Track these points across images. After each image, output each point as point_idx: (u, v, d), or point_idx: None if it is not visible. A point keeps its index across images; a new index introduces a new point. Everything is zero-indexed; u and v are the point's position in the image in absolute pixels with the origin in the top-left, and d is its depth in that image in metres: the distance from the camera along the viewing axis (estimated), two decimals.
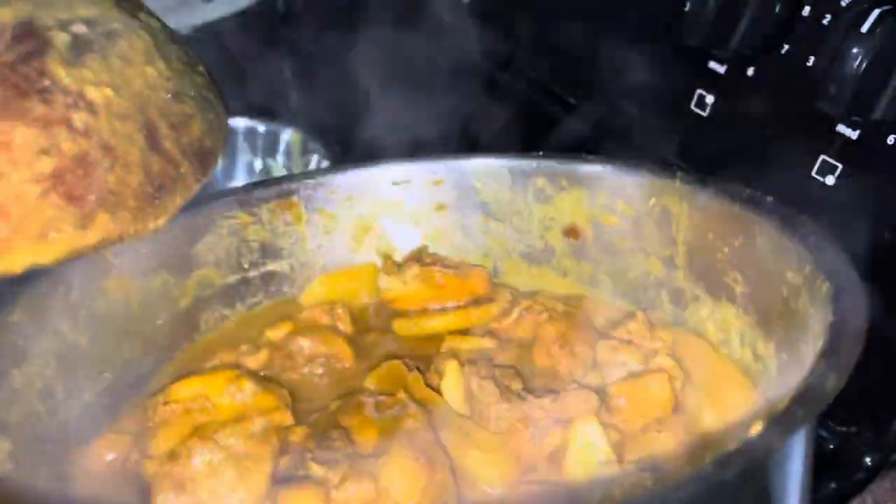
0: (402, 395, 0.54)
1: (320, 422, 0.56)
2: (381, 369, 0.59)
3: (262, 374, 0.60)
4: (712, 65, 0.68)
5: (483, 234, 0.69)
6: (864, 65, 0.53)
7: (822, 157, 0.62)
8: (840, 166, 0.61)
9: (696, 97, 0.70)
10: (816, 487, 0.64)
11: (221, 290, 0.65)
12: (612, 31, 0.77)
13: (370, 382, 0.59)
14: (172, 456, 0.51)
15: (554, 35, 0.84)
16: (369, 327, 0.66)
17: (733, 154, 0.71)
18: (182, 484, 0.49)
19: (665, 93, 0.73)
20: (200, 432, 0.52)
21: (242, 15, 1.06)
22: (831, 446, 0.66)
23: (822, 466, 0.67)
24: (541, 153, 0.66)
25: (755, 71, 0.65)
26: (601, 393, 0.54)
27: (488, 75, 0.95)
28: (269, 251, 0.66)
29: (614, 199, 0.63)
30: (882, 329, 0.63)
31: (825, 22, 0.58)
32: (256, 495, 0.50)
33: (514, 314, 0.62)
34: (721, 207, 0.56)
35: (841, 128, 0.60)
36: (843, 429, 0.66)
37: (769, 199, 0.53)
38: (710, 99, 0.69)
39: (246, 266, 0.66)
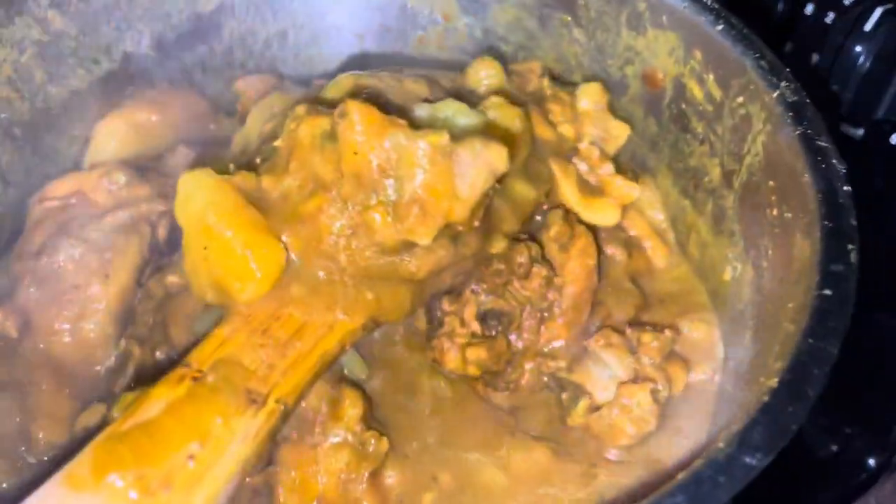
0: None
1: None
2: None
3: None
4: None
5: (561, 35, 0.58)
6: (866, 64, 0.53)
7: None
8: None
9: None
10: (819, 490, 0.64)
11: None
12: None
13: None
14: (38, 253, 0.51)
15: None
16: None
17: None
18: (45, 278, 0.50)
19: None
20: (67, 228, 0.52)
21: None
22: (834, 448, 0.66)
23: (824, 469, 0.67)
24: None
25: None
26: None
27: None
28: None
29: (709, 69, 0.51)
30: (887, 331, 0.63)
31: (828, 20, 0.58)
32: (119, 287, 0.51)
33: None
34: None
35: (843, 127, 0.60)
36: (846, 430, 0.66)
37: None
38: None
39: None
